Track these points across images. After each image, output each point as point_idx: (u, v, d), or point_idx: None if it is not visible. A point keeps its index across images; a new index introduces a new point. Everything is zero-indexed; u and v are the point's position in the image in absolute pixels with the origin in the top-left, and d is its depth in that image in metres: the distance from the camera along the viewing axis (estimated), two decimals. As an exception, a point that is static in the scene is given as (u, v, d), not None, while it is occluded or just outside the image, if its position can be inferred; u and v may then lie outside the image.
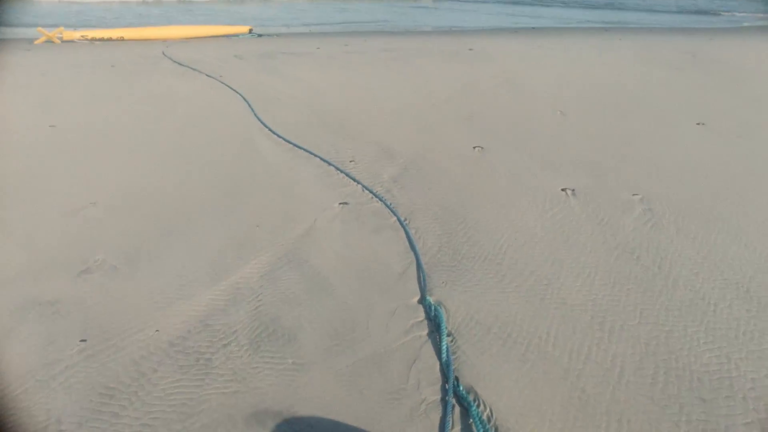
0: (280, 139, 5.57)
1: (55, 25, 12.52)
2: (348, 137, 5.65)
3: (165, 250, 3.55)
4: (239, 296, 3.08)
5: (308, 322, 2.89)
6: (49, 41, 11.64)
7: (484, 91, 7.66)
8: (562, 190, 4.47)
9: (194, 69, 8.93)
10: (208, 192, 4.41)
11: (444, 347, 2.67)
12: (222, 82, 7.94)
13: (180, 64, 9.40)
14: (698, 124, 6.13)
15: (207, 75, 8.46)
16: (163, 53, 10.42)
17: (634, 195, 4.37)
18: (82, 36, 12.01)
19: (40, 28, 11.85)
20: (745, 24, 18.36)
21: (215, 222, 3.93)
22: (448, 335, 2.78)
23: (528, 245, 3.65)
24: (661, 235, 3.79)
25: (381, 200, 4.25)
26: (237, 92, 7.34)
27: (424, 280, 3.24)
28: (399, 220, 3.94)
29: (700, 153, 5.29)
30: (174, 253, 3.52)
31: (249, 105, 6.72)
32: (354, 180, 4.60)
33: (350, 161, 5.02)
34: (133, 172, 4.79)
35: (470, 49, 10.93)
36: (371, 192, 4.39)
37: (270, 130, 5.83)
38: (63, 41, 11.74)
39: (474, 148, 5.36)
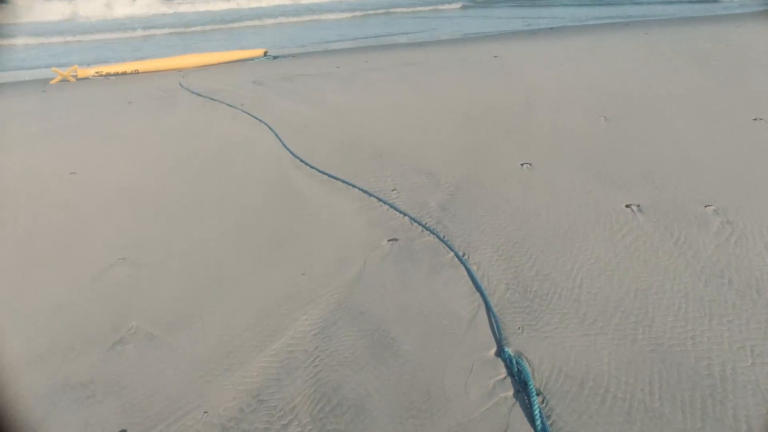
0: (314, 171, 5.22)
1: (69, 64, 12.35)
2: (384, 163, 5.29)
3: (205, 311, 3.20)
4: (293, 361, 2.74)
5: (375, 389, 2.53)
6: (65, 80, 11.46)
7: (518, 101, 7.28)
8: (627, 206, 4.08)
9: (214, 99, 8.64)
10: (245, 239, 4.06)
11: (536, 411, 2.31)
12: (245, 111, 7.63)
13: (199, 94, 9.13)
14: (755, 119, 5.70)
15: (228, 105, 8.17)
16: (180, 84, 10.17)
17: (706, 206, 3.98)
18: (96, 72, 11.82)
19: (54, 68, 11.69)
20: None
21: (256, 273, 3.58)
22: (538, 394, 2.42)
23: (604, 275, 3.27)
24: (749, 252, 3.40)
25: (434, 233, 3.87)
26: (261, 121, 7.02)
27: (498, 327, 2.87)
28: (457, 255, 3.56)
29: (766, 152, 4.87)
30: (215, 314, 3.17)
31: (276, 134, 6.40)
32: (400, 212, 4.23)
33: (392, 190, 4.65)
34: (160, 221, 4.46)
35: (495, 57, 10.55)
36: (421, 224, 4.02)
37: (302, 161, 5.49)
38: (78, 79, 11.56)
39: (522, 165, 4.97)
